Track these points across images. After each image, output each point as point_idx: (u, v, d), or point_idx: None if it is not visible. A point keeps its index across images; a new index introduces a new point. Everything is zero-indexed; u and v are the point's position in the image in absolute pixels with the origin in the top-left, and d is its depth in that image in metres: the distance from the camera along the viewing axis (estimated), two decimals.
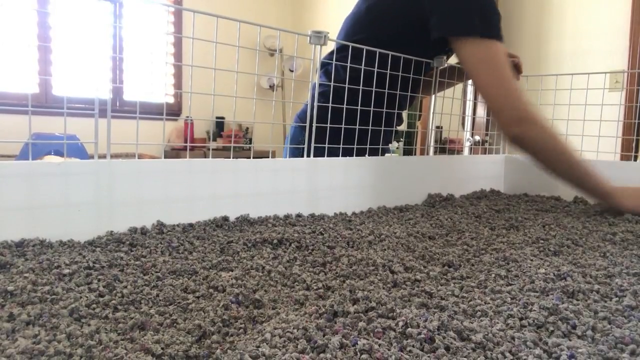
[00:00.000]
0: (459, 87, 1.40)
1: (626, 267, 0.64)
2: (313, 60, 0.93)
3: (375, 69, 1.02)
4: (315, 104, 0.97)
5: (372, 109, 1.05)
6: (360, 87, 1.02)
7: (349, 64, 0.99)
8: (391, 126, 1.19)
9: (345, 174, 0.99)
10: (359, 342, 0.38)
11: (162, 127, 0.83)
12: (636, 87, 2.60)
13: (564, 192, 1.30)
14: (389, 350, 0.38)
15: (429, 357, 0.38)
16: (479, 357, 0.38)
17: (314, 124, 0.95)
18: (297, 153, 1.19)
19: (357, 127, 1.03)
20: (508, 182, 1.43)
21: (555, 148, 1.00)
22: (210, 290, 0.52)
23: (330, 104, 0.98)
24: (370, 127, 1.06)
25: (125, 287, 0.51)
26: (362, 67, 1.00)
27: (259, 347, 0.38)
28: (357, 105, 1.03)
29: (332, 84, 0.99)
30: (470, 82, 1.49)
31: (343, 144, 1.01)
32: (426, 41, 1.06)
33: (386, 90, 1.06)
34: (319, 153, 0.97)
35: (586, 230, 0.88)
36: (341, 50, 1.09)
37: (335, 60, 1.09)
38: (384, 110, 1.08)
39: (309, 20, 4.70)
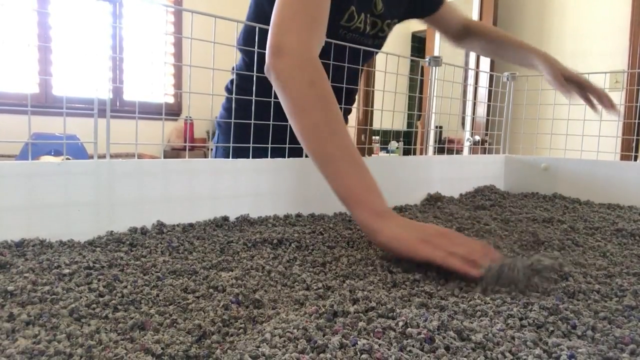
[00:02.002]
0: (458, 87, 1.40)
1: (626, 267, 0.64)
2: None
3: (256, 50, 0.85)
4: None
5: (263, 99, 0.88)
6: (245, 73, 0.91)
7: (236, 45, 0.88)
8: None
9: None
10: (359, 342, 0.38)
11: (161, 127, 0.83)
12: (636, 87, 2.60)
13: (564, 191, 1.31)
14: (389, 350, 0.38)
15: (429, 357, 0.38)
16: (479, 357, 0.38)
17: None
18: (223, 153, 1.09)
19: (271, 122, 0.90)
20: (508, 182, 1.43)
21: (306, 95, 0.70)
22: (210, 290, 0.52)
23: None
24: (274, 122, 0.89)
25: (125, 287, 0.51)
26: (252, 48, 0.86)
27: (259, 347, 0.38)
28: (259, 95, 0.89)
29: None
30: (469, 82, 1.48)
31: (259, 142, 0.89)
32: None
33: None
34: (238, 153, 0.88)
35: (587, 229, 0.88)
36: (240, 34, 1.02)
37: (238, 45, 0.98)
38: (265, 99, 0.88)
39: None
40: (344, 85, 1.02)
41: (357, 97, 1.24)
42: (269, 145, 0.91)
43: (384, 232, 0.62)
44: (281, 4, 0.76)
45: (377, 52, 1.13)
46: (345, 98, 1.05)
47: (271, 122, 0.90)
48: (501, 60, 1.35)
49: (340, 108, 1.08)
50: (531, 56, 1.16)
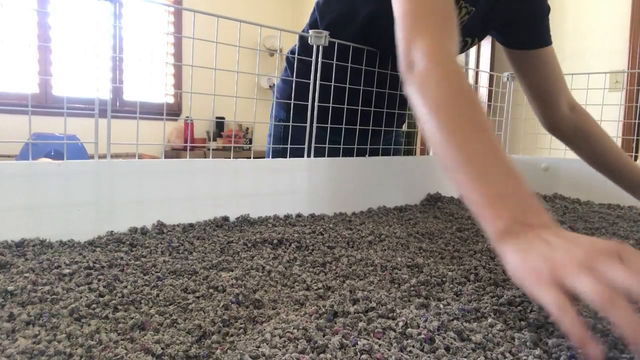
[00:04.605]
0: None
1: None
2: (314, 60, 0.93)
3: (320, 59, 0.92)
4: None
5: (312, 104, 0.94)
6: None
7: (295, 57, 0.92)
8: (360, 123, 1.03)
9: (345, 174, 0.99)
10: (359, 342, 0.38)
11: (161, 127, 0.83)
12: (636, 87, 2.60)
13: (564, 191, 1.30)
14: (389, 350, 0.38)
15: (429, 357, 0.38)
16: (479, 357, 0.38)
17: (315, 125, 0.95)
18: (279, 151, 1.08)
19: (315, 124, 0.98)
20: None
21: (439, 110, 0.56)
22: (210, 290, 0.52)
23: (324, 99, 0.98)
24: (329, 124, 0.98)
25: (126, 287, 0.51)
26: (296, 56, 0.95)
27: (259, 347, 0.38)
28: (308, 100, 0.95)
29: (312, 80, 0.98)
30: (469, 82, 1.48)
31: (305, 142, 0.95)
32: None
33: (333, 84, 0.95)
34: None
35: (587, 230, 0.88)
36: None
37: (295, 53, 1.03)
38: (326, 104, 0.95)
39: (307, 20, 4.70)
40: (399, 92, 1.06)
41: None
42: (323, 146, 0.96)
43: (506, 258, 0.45)
44: (403, 9, 0.66)
45: None
46: (401, 103, 1.10)
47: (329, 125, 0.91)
48: (606, 177, 0.99)
49: (394, 114, 1.11)
50: None
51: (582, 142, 0.99)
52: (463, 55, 3.51)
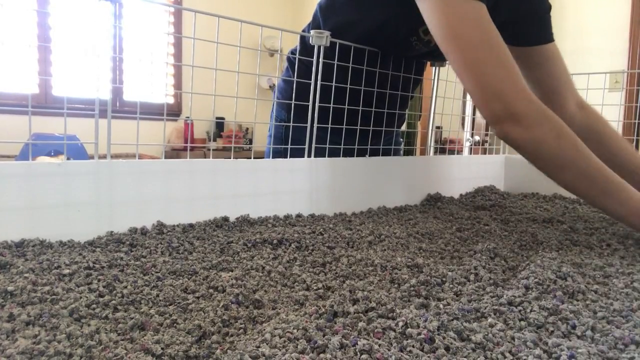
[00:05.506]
0: (459, 87, 1.40)
1: (624, 266, 0.64)
2: (315, 60, 0.93)
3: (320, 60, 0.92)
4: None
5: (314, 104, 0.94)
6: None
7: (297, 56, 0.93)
8: (360, 124, 1.03)
9: (345, 174, 0.99)
10: (359, 342, 0.38)
11: (161, 127, 0.83)
12: (636, 87, 2.61)
13: (564, 191, 1.30)
14: (389, 350, 0.38)
15: (429, 357, 0.38)
16: (478, 357, 0.38)
17: (315, 124, 0.95)
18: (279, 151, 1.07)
19: (316, 124, 0.98)
20: (508, 182, 1.43)
21: (559, 152, 0.74)
22: (210, 290, 0.52)
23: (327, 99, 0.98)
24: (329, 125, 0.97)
25: (125, 287, 0.51)
26: (297, 56, 0.95)
27: (259, 347, 0.38)
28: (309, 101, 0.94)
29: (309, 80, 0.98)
30: None
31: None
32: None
33: (333, 84, 0.95)
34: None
35: (586, 230, 0.88)
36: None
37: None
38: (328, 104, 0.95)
39: (307, 20, 4.69)
40: (399, 93, 1.07)
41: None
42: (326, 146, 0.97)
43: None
44: (472, 67, 0.74)
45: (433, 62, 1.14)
46: (401, 104, 1.10)
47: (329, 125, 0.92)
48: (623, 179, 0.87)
49: (395, 114, 1.12)
50: None
51: (594, 142, 0.94)
52: None
